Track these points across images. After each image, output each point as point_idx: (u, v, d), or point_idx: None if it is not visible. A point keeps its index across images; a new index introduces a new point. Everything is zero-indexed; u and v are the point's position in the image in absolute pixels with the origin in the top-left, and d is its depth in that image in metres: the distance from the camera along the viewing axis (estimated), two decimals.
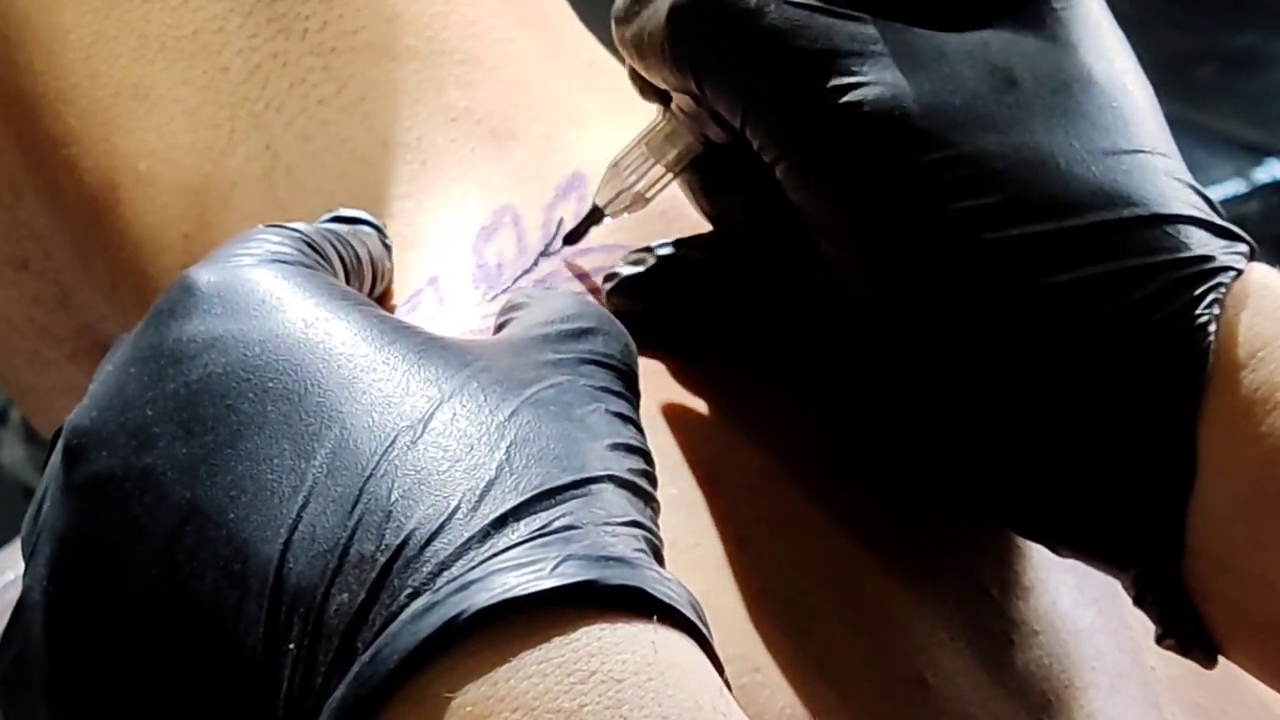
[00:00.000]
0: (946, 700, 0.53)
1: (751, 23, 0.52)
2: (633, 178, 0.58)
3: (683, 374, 0.57)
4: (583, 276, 0.59)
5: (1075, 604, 0.57)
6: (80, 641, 0.44)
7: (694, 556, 0.48)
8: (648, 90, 0.57)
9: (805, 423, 0.57)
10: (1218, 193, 1.49)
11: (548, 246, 0.60)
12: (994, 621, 0.56)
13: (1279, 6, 1.80)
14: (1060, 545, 0.54)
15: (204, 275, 0.47)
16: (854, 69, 0.51)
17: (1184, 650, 0.52)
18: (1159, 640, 0.52)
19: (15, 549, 1.03)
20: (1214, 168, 1.49)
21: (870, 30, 0.51)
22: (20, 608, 0.46)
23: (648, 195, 0.58)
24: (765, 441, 0.56)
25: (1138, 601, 0.52)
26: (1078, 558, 0.54)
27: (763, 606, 0.52)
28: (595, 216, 0.59)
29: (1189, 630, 0.52)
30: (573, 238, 0.60)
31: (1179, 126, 0.55)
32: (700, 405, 0.57)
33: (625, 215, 0.59)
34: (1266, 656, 0.51)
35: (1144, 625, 0.55)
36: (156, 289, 0.48)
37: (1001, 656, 0.55)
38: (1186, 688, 0.59)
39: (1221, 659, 0.54)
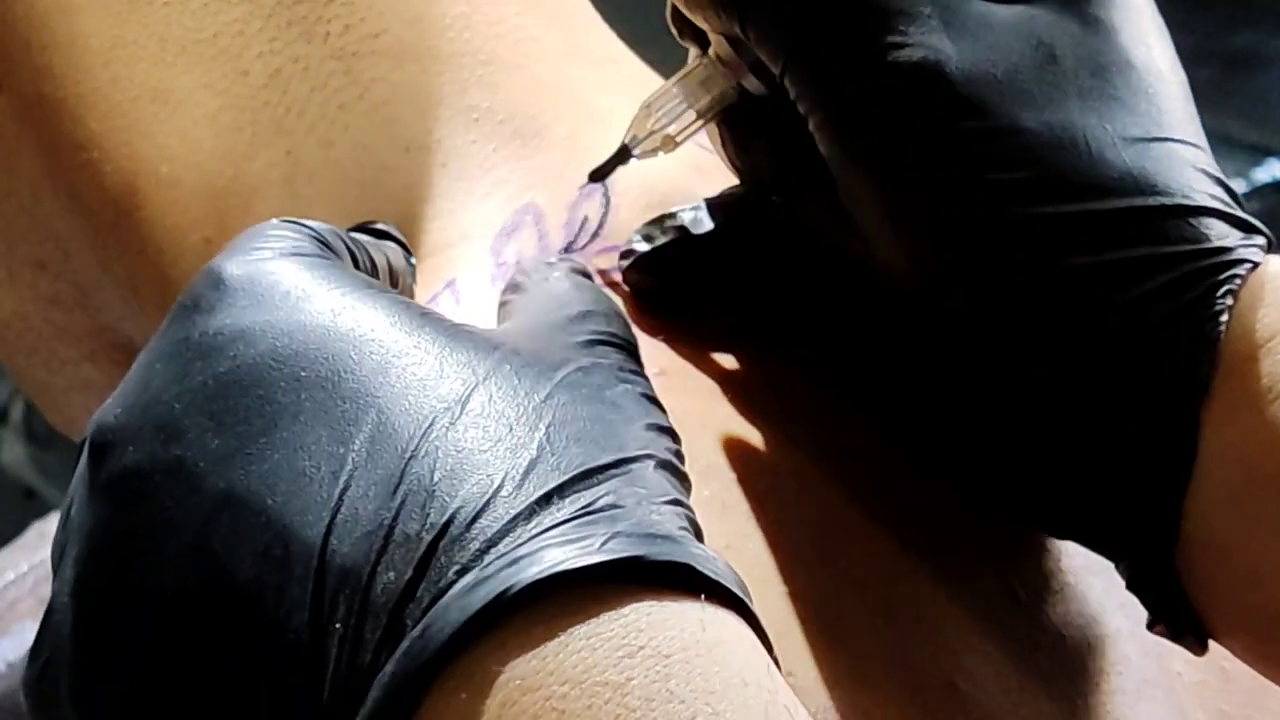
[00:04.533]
0: (976, 705, 0.53)
1: None
2: (664, 120, 0.58)
3: (706, 366, 0.57)
4: (603, 273, 0.59)
5: (1102, 608, 0.57)
6: (110, 637, 0.44)
7: (725, 558, 0.48)
8: (686, 33, 0.57)
9: (833, 417, 0.57)
10: None
11: (570, 244, 0.60)
12: (1022, 625, 0.56)
13: (1279, 6, 1.80)
14: (1059, 527, 0.54)
15: (228, 268, 0.47)
16: (900, 28, 0.51)
17: (1174, 636, 0.52)
18: (1150, 626, 0.53)
19: (15, 549, 1.03)
20: None
21: None
22: (49, 613, 0.46)
23: (677, 139, 0.58)
24: (794, 442, 0.56)
25: (1130, 585, 0.53)
26: (1076, 540, 0.54)
27: (795, 609, 0.52)
28: (623, 155, 0.59)
29: (1180, 616, 0.52)
30: (598, 175, 0.59)
31: None
32: (726, 403, 0.57)
33: (658, 155, 0.58)
34: (1258, 645, 0.52)
35: None
36: (176, 291, 0.48)
37: (1029, 660, 0.55)
38: (1212, 694, 0.59)
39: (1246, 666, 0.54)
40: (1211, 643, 0.53)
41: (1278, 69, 1.74)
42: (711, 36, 0.56)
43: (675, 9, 0.57)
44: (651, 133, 0.58)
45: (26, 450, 1.60)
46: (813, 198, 0.56)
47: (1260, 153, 1.60)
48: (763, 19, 0.53)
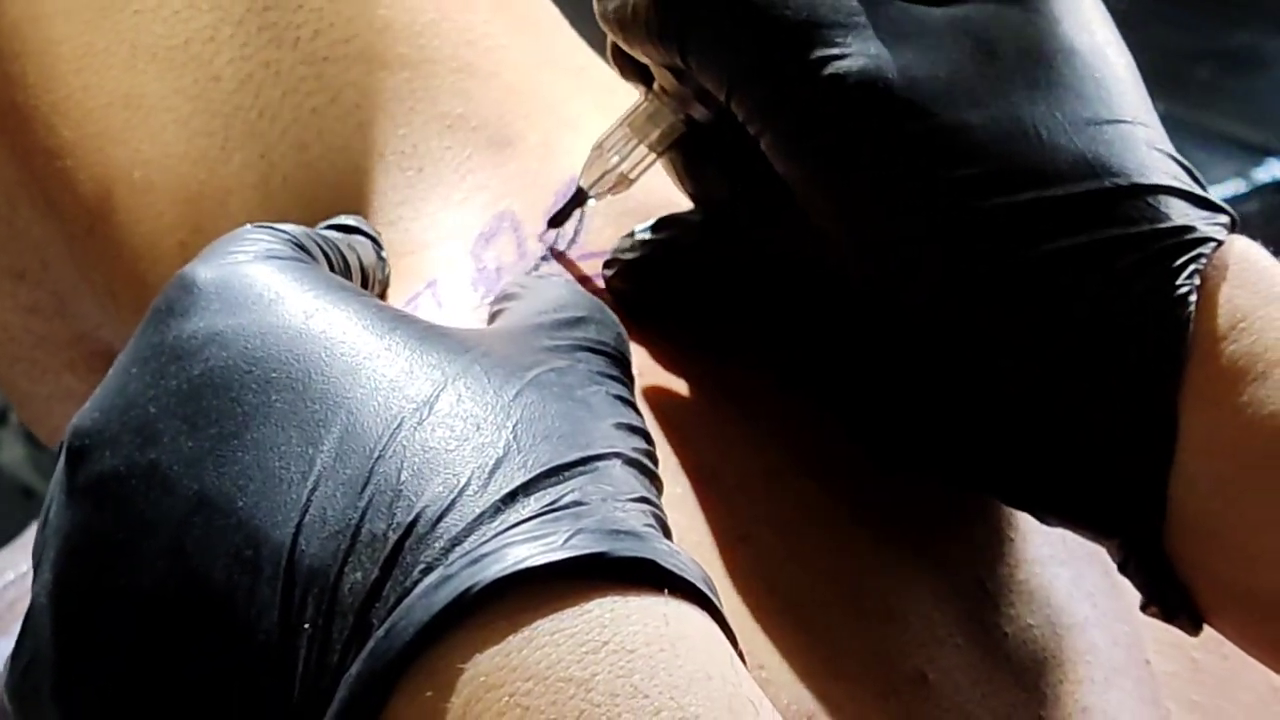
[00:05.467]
0: (946, 697, 0.54)
1: None
2: (616, 159, 0.59)
3: (680, 369, 0.58)
4: (584, 280, 0.60)
5: (1071, 598, 0.58)
6: (90, 638, 0.45)
7: (698, 554, 0.48)
8: (629, 70, 0.57)
9: (800, 416, 0.57)
10: (1217, 193, 1.49)
11: (549, 250, 0.60)
12: (990, 617, 0.56)
13: (1276, 6, 1.80)
14: (1045, 513, 0.54)
15: (201, 272, 0.47)
16: (837, 40, 0.52)
17: (1168, 617, 0.53)
18: (1143, 608, 0.53)
19: (15, 549, 1.03)
20: (1214, 168, 1.49)
21: (852, 2, 0.52)
22: (29, 615, 0.46)
23: (631, 176, 0.59)
24: (763, 439, 0.57)
25: (1122, 569, 0.53)
26: (1063, 525, 0.54)
27: (767, 604, 0.53)
28: (580, 198, 0.60)
29: (1172, 598, 0.52)
30: (557, 220, 0.60)
31: (1178, 126, 0.55)
32: (697, 404, 0.57)
33: (610, 196, 0.59)
34: (1249, 627, 0.52)
35: (1141, 620, 0.55)
36: (154, 296, 0.48)
37: (998, 651, 0.56)
38: (1182, 684, 0.59)
39: (1217, 655, 0.54)
40: (1180, 634, 0.53)
41: (1276, 68, 1.74)
42: (654, 70, 0.57)
43: (616, 47, 0.57)
44: (605, 173, 0.59)
45: (26, 450, 1.61)
46: (768, 214, 0.56)
47: (1260, 153, 1.60)
48: (703, 46, 0.53)
